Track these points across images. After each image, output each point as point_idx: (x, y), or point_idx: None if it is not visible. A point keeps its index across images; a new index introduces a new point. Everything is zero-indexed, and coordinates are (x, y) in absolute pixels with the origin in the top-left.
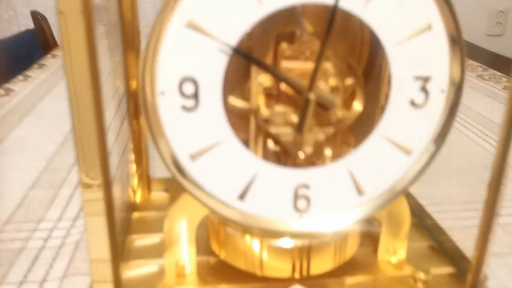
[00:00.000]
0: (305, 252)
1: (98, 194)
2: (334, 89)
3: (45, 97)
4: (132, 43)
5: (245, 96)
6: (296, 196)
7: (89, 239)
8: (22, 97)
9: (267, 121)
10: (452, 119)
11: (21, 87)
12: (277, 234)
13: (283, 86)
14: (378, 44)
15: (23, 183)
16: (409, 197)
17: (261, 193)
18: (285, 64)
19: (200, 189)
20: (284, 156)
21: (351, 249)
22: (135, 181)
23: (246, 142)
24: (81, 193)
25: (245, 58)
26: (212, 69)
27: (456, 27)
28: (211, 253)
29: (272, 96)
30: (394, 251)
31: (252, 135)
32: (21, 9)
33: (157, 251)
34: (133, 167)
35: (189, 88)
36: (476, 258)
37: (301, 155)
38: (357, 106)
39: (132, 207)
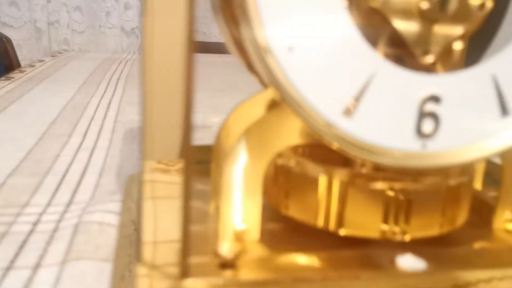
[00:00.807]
0: (404, 206)
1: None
2: None
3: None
4: None
5: None
6: (421, 114)
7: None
8: None
9: (386, 3)
10: None
11: None
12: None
13: None
14: None
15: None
16: None
17: (376, 108)
18: None
19: (292, 92)
20: (407, 55)
21: (464, 210)
22: None
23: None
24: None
25: None
26: None
27: None
28: (275, 218)
29: None
30: None
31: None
32: None
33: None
34: None
35: None
36: None
37: (429, 57)
38: None
39: None
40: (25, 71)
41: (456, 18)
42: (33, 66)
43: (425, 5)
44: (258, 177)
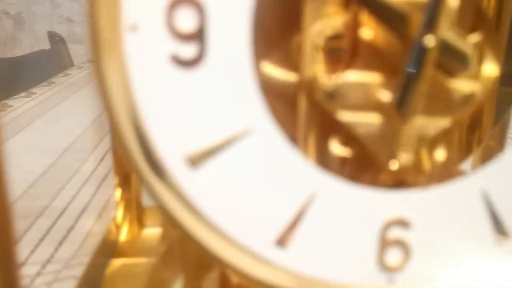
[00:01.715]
0: None
1: None
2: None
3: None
4: None
5: (286, 56)
6: (384, 242)
7: None
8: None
9: (332, 96)
10: None
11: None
12: None
13: (364, 32)
14: None
15: None
16: None
17: (318, 236)
18: None
19: (204, 222)
20: (361, 167)
21: None
22: (119, 212)
23: (291, 139)
24: None
25: None
26: None
27: None
28: None
29: (341, 54)
30: None
31: (299, 126)
32: (43, 35)
33: None
34: (118, 191)
35: (187, 20)
36: None
37: (394, 165)
38: (490, 69)
39: (111, 249)
40: (70, 73)
41: (433, 112)
42: (80, 67)
43: (386, 95)
44: None
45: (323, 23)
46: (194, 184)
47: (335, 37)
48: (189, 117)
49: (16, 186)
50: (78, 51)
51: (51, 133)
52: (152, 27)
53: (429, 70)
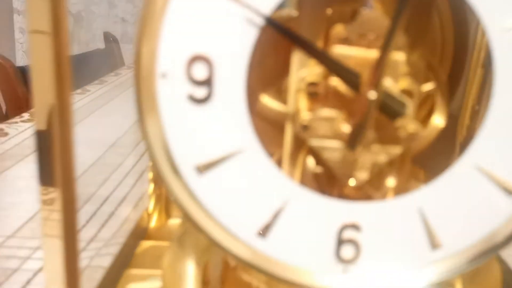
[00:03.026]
0: None
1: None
2: (405, 93)
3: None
4: None
5: (277, 93)
6: (340, 240)
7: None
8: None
9: (306, 128)
10: None
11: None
12: None
13: (334, 81)
14: (476, 31)
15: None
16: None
17: (291, 231)
18: (338, 50)
19: (208, 217)
20: (327, 181)
21: None
22: (151, 203)
23: (275, 157)
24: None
25: (279, 30)
26: (234, 46)
27: None
28: None
29: (318, 96)
30: None
31: (285, 147)
32: (99, 33)
33: None
34: (151, 186)
35: (200, 71)
36: None
37: (352, 182)
38: (438, 120)
39: (142, 233)
40: (120, 73)
41: (384, 143)
42: (130, 67)
43: (347, 129)
44: (198, 275)
45: (305, 72)
46: (201, 186)
47: (313, 83)
48: (199, 138)
49: None
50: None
51: (101, 128)
52: (176, 75)
53: (375, 114)
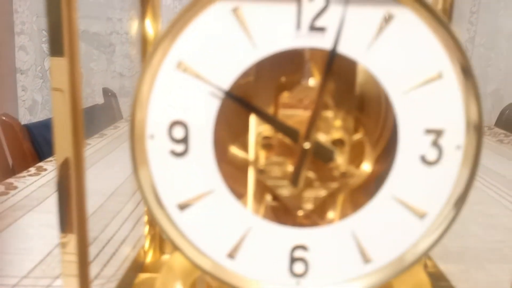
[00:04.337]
0: None
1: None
2: (337, 142)
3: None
4: None
5: (239, 144)
6: (292, 259)
7: None
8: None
9: (262, 171)
10: (472, 179)
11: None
12: None
13: (280, 135)
14: (384, 93)
15: (50, 240)
16: (442, 279)
17: (253, 253)
18: (284, 112)
19: (189, 244)
20: (280, 212)
21: None
22: (147, 242)
23: (239, 195)
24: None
25: (236, 101)
26: (203, 113)
27: (470, 76)
28: None
29: (270, 146)
30: None
31: (246, 186)
32: (98, 88)
33: None
34: (146, 227)
35: (179, 132)
36: None
37: (299, 212)
38: (365, 166)
39: (140, 267)
40: (118, 126)
41: (323, 182)
42: (128, 120)
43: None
44: None
45: (261, 128)
46: (182, 219)
47: (267, 137)
48: (179, 183)
49: None
50: (127, 103)
51: (102, 179)
52: (161, 136)
53: (310, 160)
